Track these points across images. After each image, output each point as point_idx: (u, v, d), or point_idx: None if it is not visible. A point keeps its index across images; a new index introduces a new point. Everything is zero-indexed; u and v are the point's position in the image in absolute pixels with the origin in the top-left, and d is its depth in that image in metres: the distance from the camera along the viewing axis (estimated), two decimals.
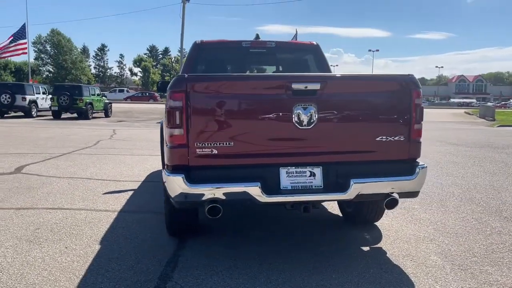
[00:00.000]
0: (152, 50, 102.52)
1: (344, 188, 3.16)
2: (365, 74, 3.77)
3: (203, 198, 3.04)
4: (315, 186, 3.21)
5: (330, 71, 5.11)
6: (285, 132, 3.12)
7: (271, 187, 3.15)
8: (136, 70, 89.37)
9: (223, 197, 3.04)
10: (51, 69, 74.70)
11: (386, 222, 4.47)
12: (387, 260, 3.49)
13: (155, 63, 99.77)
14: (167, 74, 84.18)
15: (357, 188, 3.16)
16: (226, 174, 3.12)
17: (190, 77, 3.10)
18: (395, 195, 3.27)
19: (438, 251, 3.66)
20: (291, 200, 3.17)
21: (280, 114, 3.10)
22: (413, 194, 3.39)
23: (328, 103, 3.17)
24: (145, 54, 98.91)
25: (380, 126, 3.27)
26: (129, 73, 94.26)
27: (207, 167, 3.12)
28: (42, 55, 75.56)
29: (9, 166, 7.58)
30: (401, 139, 3.29)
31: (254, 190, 3.03)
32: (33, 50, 72.03)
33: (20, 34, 39.08)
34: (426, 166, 3.38)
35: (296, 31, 8.94)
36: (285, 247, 3.75)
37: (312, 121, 3.12)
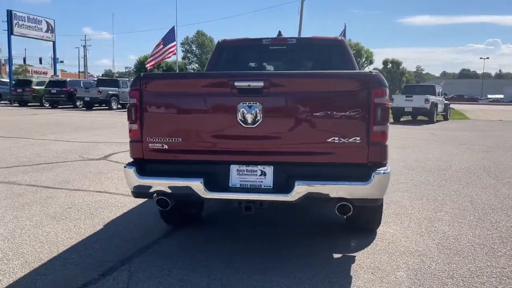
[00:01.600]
0: None
1: (288, 189, 3.07)
2: (318, 72, 3.57)
3: (151, 190, 3.24)
4: (264, 186, 3.18)
5: (354, 67, 4.85)
6: (230, 130, 3.15)
7: (220, 183, 3.21)
8: None
9: (169, 190, 3.20)
10: (195, 67, 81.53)
11: (390, 230, 4.12)
12: (345, 269, 3.26)
13: None
14: None
15: (301, 190, 3.04)
16: (174, 169, 3.28)
17: (144, 76, 3.32)
18: (350, 201, 3.06)
19: (413, 268, 3.29)
20: (233, 198, 3.19)
21: (226, 112, 3.14)
22: (371, 201, 3.12)
23: (274, 102, 3.11)
24: None
25: (332, 127, 3.08)
26: None
27: (159, 161, 3.31)
28: (189, 55, 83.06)
29: (102, 153, 8.71)
30: (357, 141, 3.06)
31: (197, 186, 3.13)
32: (181, 50, 79.69)
33: (170, 37, 43.46)
34: (387, 173, 3.08)
35: (345, 26, 8.43)
36: (256, 247, 3.74)
37: (257, 120, 3.09)
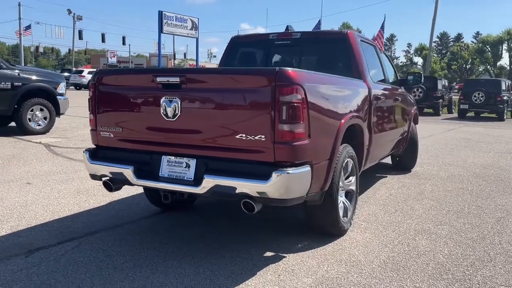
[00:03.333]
0: (443, 37, 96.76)
1: (199, 182, 3.17)
2: (228, 68, 3.46)
3: (98, 174, 3.64)
4: (187, 178, 3.32)
5: (358, 62, 4.55)
6: (157, 123, 3.36)
7: (152, 172, 3.46)
8: (417, 59, 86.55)
9: (110, 175, 3.56)
10: None
11: (363, 235, 3.84)
12: (258, 268, 3.21)
13: (444, 51, 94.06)
14: (454, 63, 78.15)
15: (208, 184, 3.11)
16: (117, 156, 3.62)
17: (98, 71, 3.72)
18: (253, 199, 3.03)
19: (326, 277, 3.08)
20: (155, 186, 3.40)
21: (154, 105, 3.35)
22: (274, 201, 3.03)
23: (190, 97, 3.22)
24: (434, 42, 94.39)
25: (240, 124, 3.07)
26: (409, 62, 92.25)
27: (108, 148, 3.69)
28: None
29: None
30: (262, 139, 3.00)
31: (128, 173, 3.43)
32: None
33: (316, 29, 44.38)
34: (292, 173, 2.95)
35: (385, 17, 7.46)
36: (215, 240, 3.88)
37: (176, 114, 3.25)
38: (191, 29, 34.72)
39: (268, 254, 3.49)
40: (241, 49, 5.28)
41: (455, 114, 21.70)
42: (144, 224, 4.21)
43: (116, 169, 3.51)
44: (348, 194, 4.07)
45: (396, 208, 4.85)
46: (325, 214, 3.66)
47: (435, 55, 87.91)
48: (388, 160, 7.24)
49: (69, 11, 50.08)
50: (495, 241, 3.84)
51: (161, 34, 33.28)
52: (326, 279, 3.05)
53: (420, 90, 21.14)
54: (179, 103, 3.22)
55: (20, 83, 9.47)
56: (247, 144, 3.05)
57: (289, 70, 2.98)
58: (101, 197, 5.02)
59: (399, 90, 6.06)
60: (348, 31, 4.68)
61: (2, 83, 9.20)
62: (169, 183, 3.33)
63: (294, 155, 3.01)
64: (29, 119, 9.70)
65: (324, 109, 3.36)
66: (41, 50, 79.06)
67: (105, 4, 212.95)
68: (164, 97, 3.28)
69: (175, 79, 3.21)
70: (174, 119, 3.26)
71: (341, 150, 3.72)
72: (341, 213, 3.78)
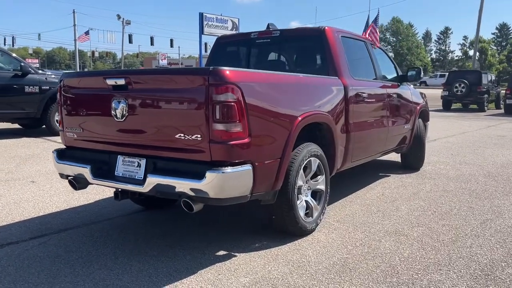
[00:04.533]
0: (502, 28, 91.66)
1: (144, 182, 3.24)
2: (167, 69, 3.45)
3: (65, 173, 3.80)
4: (137, 177, 3.40)
5: (333, 59, 4.44)
6: (110, 123, 3.46)
7: (109, 171, 3.57)
8: (472, 52, 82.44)
9: (73, 174, 3.71)
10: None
11: (329, 236, 3.76)
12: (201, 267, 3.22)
13: (504, 43, 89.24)
14: None
15: (150, 183, 3.18)
16: (81, 156, 3.76)
17: (63, 74, 3.88)
18: (191, 198, 3.07)
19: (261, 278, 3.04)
20: (108, 185, 3.51)
21: (106, 106, 3.46)
22: (213, 200, 3.03)
23: (135, 98, 3.30)
24: (493, 33, 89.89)
25: (178, 124, 3.11)
26: (464, 56, 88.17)
27: (74, 148, 3.85)
28: (382, 43, 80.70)
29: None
30: (198, 139, 3.02)
31: (85, 172, 3.56)
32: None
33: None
34: (226, 173, 2.94)
35: (378, 11, 7.05)
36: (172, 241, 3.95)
37: (123, 114, 3.34)
38: (232, 29, 35.02)
39: (221, 253, 3.50)
40: (226, 48, 5.31)
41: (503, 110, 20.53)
42: (119, 222, 4.34)
43: (76, 168, 3.65)
44: (316, 194, 3.99)
45: (380, 208, 4.69)
46: (282, 214, 3.62)
47: (494, 47, 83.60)
48: (398, 158, 7.01)
49: (119, 17, 52.17)
50: (466, 244, 3.63)
51: (202, 35, 33.99)
52: (264, 279, 3.02)
53: (462, 85, 20.22)
54: (126, 104, 3.31)
55: (48, 87, 10.01)
56: (186, 143, 3.08)
57: (224, 69, 2.98)
58: (93, 195, 5.22)
59: (398, 86, 5.84)
60: (326, 27, 4.57)
61: (31, 87, 9.77)
62: (121, 183, 3.42)
63: (230, 154, 3.00)
64: (57, 121, 10.23)
65: (270, 108, 3.31)
66: (96, 54, 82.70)
67: (152, 8, 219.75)
68: (113, 99, 3.37)
69: (121, 81, 3.29)
70: (122, 120, 3.35)
71: (301, 149, 3.66)
72: (301, 213, 3.72)
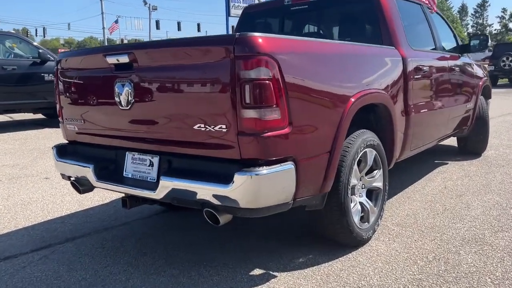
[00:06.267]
0: None
1: (157, 185, 2.55)
2: (179, 39, 2.69)
3: (66, 174, 3.16)
4: (150, 178, 2.72)
5: (387, 26, 3.59)
6: (115, 112, 2.78)
7: (115, 172, 2.91)
8: None
9: (74, 175, 3.07)
10: None
11: (390, 246, 2.99)
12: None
13: None
14: None
15: (164, 187, 2.48)
16: (82, 152, 3.11)
17: (61, 54, 3.20)
18: (216, 207, 2.35)
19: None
20: (114, 189, 2.82)
21: (109, 92, 2.76)
22: (244, 211, 2.30)
23: (142, 79, 2.58)
24: None
25: (198, 111, 2.38)
26: (504, 29, 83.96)
27: (74, 143, 3.20)
28: None
29: None
30: (223, 130, 2.28)
31: (88, 172, 2.90)
32: None
33: None
34: (263, 174, 2.20)
35: None
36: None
37: (129, 101, 2.64)
38: None
39: (257, 271, 2.79)
40: (255, 20, 4.52)
41: None
42: (136, 227, 3.69)
43: (78, 168, 2.99)
44: (372, 193, 3.21)
45: (446, 206, 3.86)
46: (332, 221, 2.86)
47: None
48: (454, 142, 6.10)
49: (145, 2, 51.73)
50: None
51: (229, 17, 33.02)
52: None
53: (511, 59, 18.67)
54: (132, 87, 2.60)
55: None
56: (208, 136, 2.35)
57: (254, 35, 2.22)
58: (110, 193, 4.59)
59: (459, 58, 4.93)
60: None
61: (51, 75, 9.25)
62: (130, 187, 2.74)
63: (266, 150, 2.25)
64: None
65: (315, 87, 2.53)
66: (125, 42, 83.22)
67: None
68: (116, 81, 2.67)
69: (124, 58, 2.58)
70: (128, 108, 2.65)
71: (354, 138, 2.87)
72: (356, 218, 2.95)
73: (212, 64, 2.28)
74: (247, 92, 2.17)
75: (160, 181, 2.48)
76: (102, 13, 52.98)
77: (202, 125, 2.35)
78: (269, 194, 2.29)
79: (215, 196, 2.29)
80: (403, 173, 4.92)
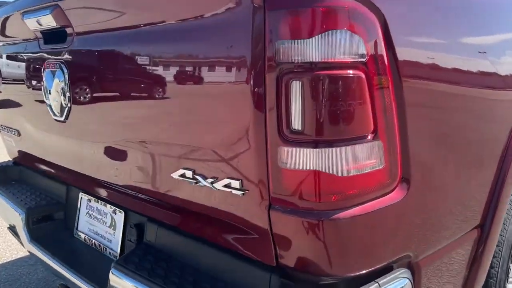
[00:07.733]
0: None
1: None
2: None
3: (1, 216, 1.94)
4: (110, 251, 1.42)
5: None
6: (48, 125, 1.49)
7: (64, 226, 1.64)
8: None
9: (7, 220, 1.84)
10: None
11: None
12: None
13: None
14: None
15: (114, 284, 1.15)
16: (26, 181, 1.88)
17: None
18: None
19: None
20: (55, 269, 1.50)
21: (38, 86, 1.47)
22: None
23: (83, 59, 1.25)
24: None
25: (176, 137, 1.01)
26: None
27: (19, 164, 1.96)
28: None
29: None
30: (238, 194, 0.90)
31: (18, 224, 1.65)
32: None
33: None
34: None
35: None
36: None
37: (64, 104, 1.33)
38: None
39: None
40: None
41: None
42: None
43: (9, 210, 1.73)
44: None
45: None
46: None
47: None
48: None
49: None
50: None
51: None
52: None
53: None
54: (66, 78, 1.28)
55: None
56: (204, 197, 0.99)
57: None
58: None
59: None
60: None
61: None
62: (76, 274, 1.40)
63: (343, 255, 0.85)
64: None
65: (469, 86, 1.06)
66: None
67: None
68: (45, 67, 1.37)
69: (48, 18, 1.25)
70: (63, 119, 1.34)
71: None
72: None
73: (215, 26, 0.89)
74: (295, 102, 0.76)
75: (111, 275, 1.15)
76: None
77: (184, 173, 0.98)
78: None
79: None
80: None
